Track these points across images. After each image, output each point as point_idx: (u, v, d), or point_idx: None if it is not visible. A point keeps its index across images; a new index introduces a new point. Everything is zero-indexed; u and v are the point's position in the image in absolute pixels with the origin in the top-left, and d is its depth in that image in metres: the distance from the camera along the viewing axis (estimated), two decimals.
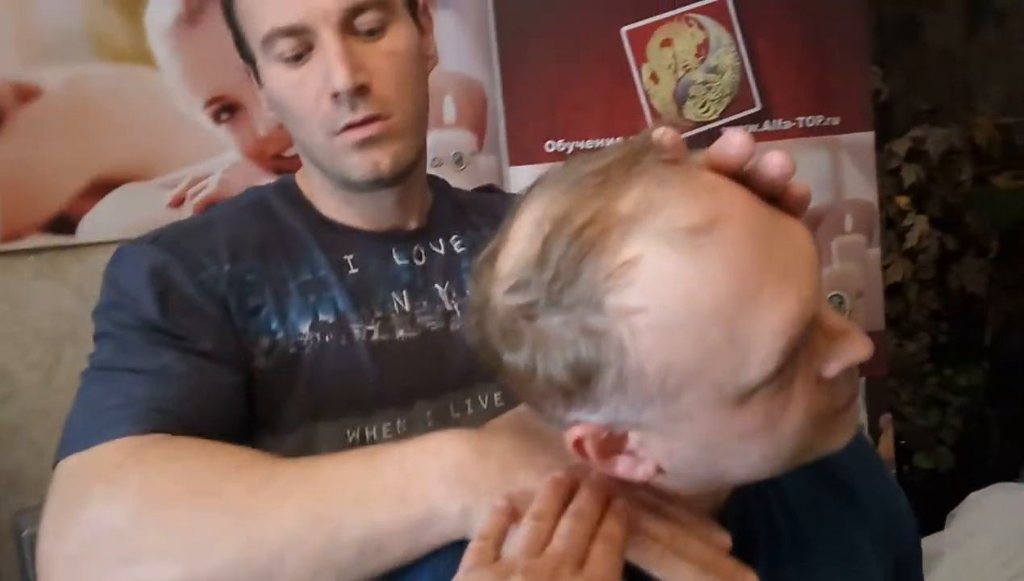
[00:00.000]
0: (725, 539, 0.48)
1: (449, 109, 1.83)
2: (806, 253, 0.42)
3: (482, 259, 0.45)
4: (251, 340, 0.65)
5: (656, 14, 1.83)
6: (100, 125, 1.45)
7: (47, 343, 1.42)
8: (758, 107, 1.92)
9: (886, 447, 2.12)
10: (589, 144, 1.80)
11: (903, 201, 2.18)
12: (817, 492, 0.58)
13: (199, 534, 0.48)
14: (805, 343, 0.42)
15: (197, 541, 0.48)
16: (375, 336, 0.69)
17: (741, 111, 1.91)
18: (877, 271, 2.02)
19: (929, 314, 2.25)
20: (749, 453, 0.44)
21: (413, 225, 0.75)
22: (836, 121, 1.95)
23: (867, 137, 1.97)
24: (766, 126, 1.93)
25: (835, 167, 1.98)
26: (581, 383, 0.41)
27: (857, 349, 0.43)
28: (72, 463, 0.54)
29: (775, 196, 0.44)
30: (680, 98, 1.88)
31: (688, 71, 1.88)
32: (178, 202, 1.51)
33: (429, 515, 0.47)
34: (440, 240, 0.76)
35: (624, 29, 1.81)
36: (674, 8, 1.84)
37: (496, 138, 1.85)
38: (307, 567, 0.47)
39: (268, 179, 0.84)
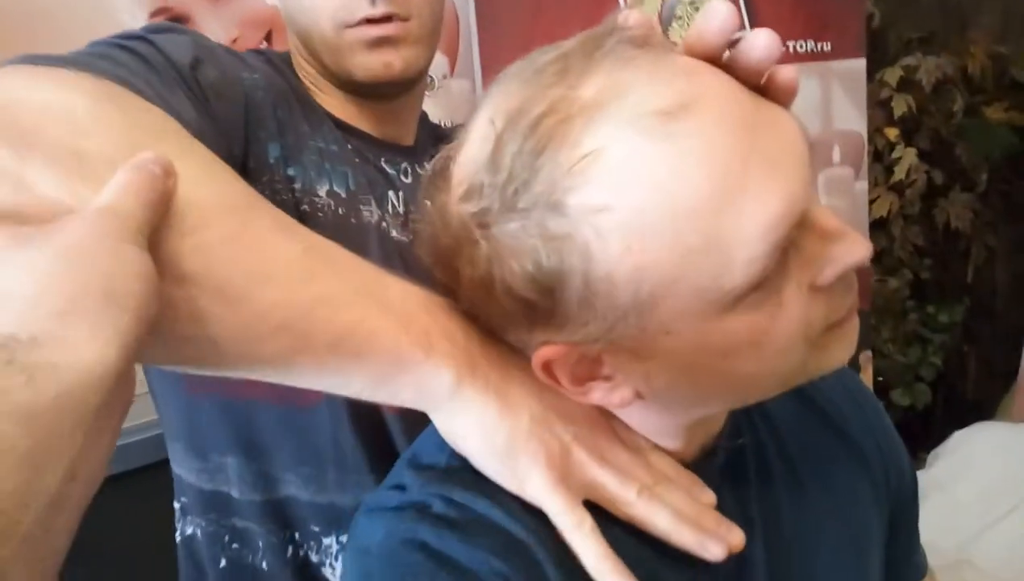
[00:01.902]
0: (710, 496, 0.43)
1: None
2: (795, 145, 0.36)
3: (434, 169, 0.39)
4: (254, 166, 0.58)
5: None
6: (46, 38, 1.33)
7: None
8: (746, 27, 1.83)
9: (865, 383, 2.12)
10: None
11: (892, 133, 2.11)
12: (814, 433, 0.54)
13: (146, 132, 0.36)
14: (795, 245, 0.37)
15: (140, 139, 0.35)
16: (382, 224, 0.64)
17: None
18: (864, 206, 1.97)
19: (912, 250, 2.21)
20: (734, 372, 0.38)
21: (408, 141, 0.71)
22: (828, 47, 1.87)
23: (859, 64, 1.89)
24: None
25: (825, 96, 1.91)
26: (544, 296, 0.36)
27: (855, 251, 0.37)
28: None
29: (760, 85, 0.37)
30: (666, 20, 1.80)
31: None
32: None
33: (423, 365, 0.39)
34: (426, 164, 0.70)
35: None
36: None
37: (470, 61, 1.75)
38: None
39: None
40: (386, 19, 0.62)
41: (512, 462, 0.39)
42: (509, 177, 0.35)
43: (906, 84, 2.07)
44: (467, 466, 0.41)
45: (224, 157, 0.39)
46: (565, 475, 0.39)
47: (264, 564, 0.68)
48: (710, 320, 0.36)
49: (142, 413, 0.68)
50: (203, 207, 0.34)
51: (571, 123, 0.34)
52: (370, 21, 0.61)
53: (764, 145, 0.35)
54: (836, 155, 1.94)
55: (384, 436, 0.64)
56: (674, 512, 0.40)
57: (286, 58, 0.70)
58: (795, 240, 0.37)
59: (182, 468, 0.70)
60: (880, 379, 2.20)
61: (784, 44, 1.84)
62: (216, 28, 1.48)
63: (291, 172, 0.61)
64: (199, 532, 0.70)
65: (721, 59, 0.37)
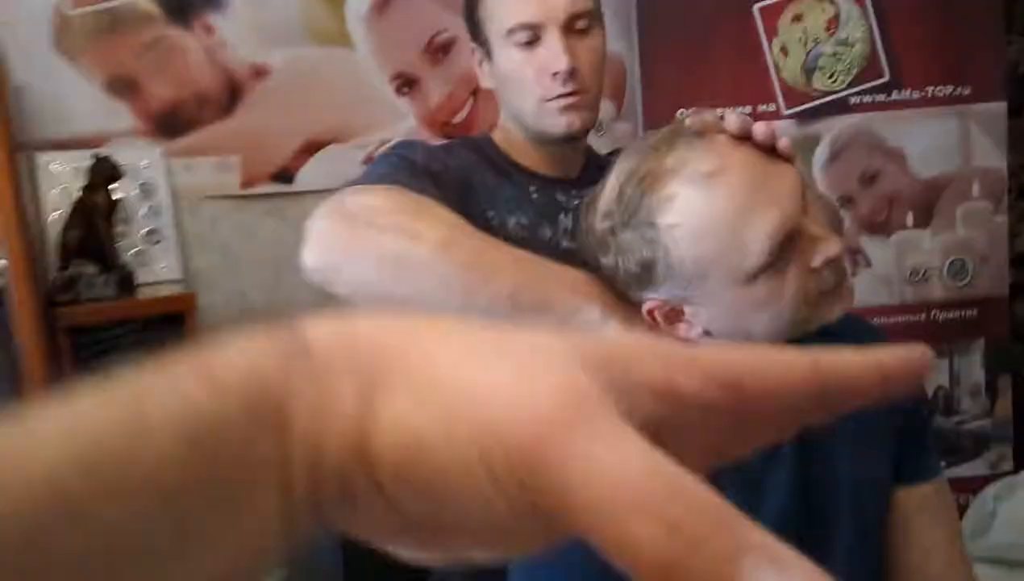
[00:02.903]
0: None
1: None
2: (790, 185, 0.64)
3: (587, 202, 0.72)
4: (471, 218, 0.89)
5: None
6: (310, 97, 1.81)
7: (271, 268, 1.83)
8: (887, 77, 2.01)
9: (1004, 407, 2.19)
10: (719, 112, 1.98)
11: None
12: None
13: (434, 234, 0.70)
14: (794, 243, 0.64)
15: (444, 239, 0.70)
16: (552, 241, 0.95)
17: (869, 80, 2.02)
18: (1003, 238, 2.07)
19: None
20: (762, 318, 0.66)
21: (574, 174, 1.01)
22: (967, 91, 2.00)
23: (999, 107, 2.01)
24: (894, 96, 2.02)
25: (964, 135, 2.04)
26: (646, 271, 0.66)
27: (829, 247, 0.65)
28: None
29: (771, 148, 0.65)
30: (809, 69, 2.01)
31: (818, 43, 2.01)
32: (368, 160, 1.86)
33: (582, 311, 0.69)
34: (586, 190, 1.03)
35: (756, 6, 1.97)
36: None
37: (633, 107, 2.07)
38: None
39: (438, 142, 1.13)
40: (573, 93, 0.91)
41: None
42: (626, 208, 0.66)
43: None
44: None
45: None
46: None
47: None
48: (741, 286, 0.64)
49: None
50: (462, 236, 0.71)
51: (660, 179, 0.64)
52: (560, 96, 0.92)
53: (769, 185, 0.63)
54: (975, 190, 2.07)
55: None
56: None
57: (483, 139, 1.01)
58: (794, 240, 0.64)
59: None
60: (1022, 404, 2.27)
61: (923, 90, 2.02)
62: (437, 85, 1.92)
63: (490, 214, 0.92)
64: None
65: (749, 138, 0.66)
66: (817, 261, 0.65)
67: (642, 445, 0.17)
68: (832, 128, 2.03)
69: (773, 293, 0.65)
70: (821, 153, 2.05)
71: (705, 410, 0.21)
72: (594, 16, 0.93)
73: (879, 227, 2.09)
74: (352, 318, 0.21)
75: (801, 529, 0.72)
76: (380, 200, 0.72)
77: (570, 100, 0.91)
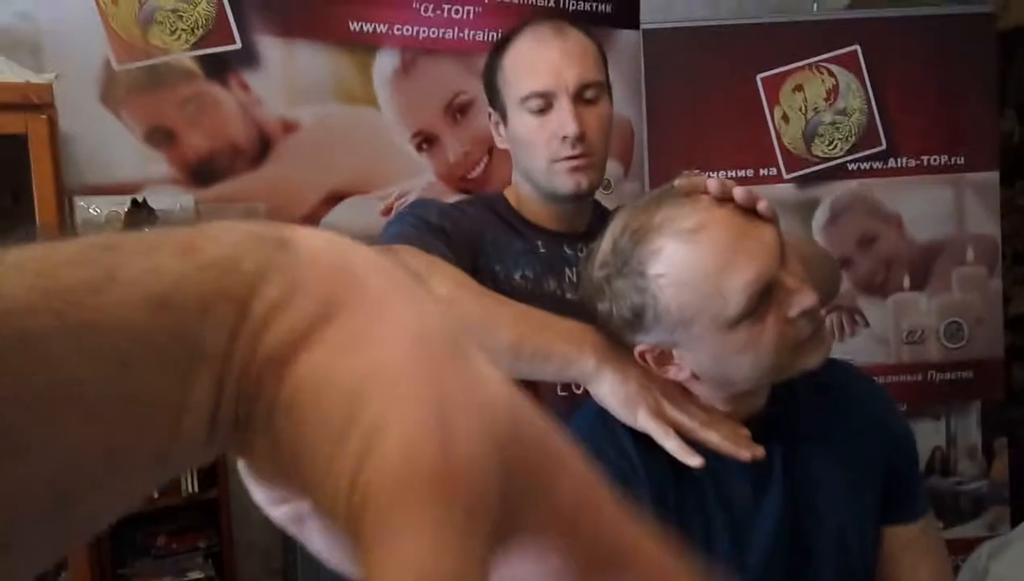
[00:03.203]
0: (744, 430, 0.76)
1: None
2: (768, 242, 0.71)
3: (586, 255, 0.79)
4: (476, 270, 0.95)
5: (789, 64, 2.07)
6: (336, 151, 1.92)
7: None
8: (883, 146, 2.11)
9: (1000, 469, 2.22)
10: (722, 174, 2.07)
11: None
12: (827, 411, 0.84)
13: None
14: (772, 294, 0.70)
15: (448, 296, 0.79)
16: (556, 293, 1.03)
17: (867, 149, 2.12)
18: (998, 301, 2.14)
19: None
20: (744, 363, 0.72)
21: (581, 229, 1.08)
22: (961, 160, 2.09)
23: (992, 176, 2.10)
24: (891, 163, 2.11)
25: (959, 202, 2.12)
26: (636, 317, 0.73)
27: (804, 299, 0.70)
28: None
29: (751, 209, 0.72)
30: (808, 136, 2.11)
31: (817, 113, 2.11)
32: (387, 211, 1.96)
33: (579, 361, 0.76)
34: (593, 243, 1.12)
35: (759, 76, 2.07)
36: (807, 58, 2.08)
37: (640, 167, 2.17)
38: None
39: (455, 196, 1.22)
40: (581, 156, 0.98)
41: (630, 408, 0.76)
42: (620, 258, 0.72)
43: None
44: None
45: (463, 270, 0.84)
46: (658, 414, 0.75)
47: None
48: (724, 332, 0.70)
49: None
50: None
51: (649, 233, 0.70)
52: (570, 157, 0.99)
53: (746, 243, 0.69)
54: (970, 255, 2.14)
55: None
56: (721, 435, 0.74)
57: (496, 197, 1.09)
58: (772, 291, 0.69)
59: None
60: (1018, 466, 2.30)
61: (918, 158, 2.11)
62: (455, 143, 2.03)
63: (496, 268, 0.99)
64: None
65: (729, 200, 0.72)
66: (793, 311, 0.70)
67: (468, 560, 0.16)
68: (832, 192, 2.12)
69: (753, 339, 0.70)
70: (821, 216, 2.13)
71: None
72: (602, 87, 1.02)
73: (877, 289, 2.16)
74: (350, 245, 0.20)
75: (788, 566, 0.77)
76: (392, 262, 0.81)
77: (578, 162, 0.99)
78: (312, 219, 1.90)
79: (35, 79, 1.34)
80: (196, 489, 1.55)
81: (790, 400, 0.82)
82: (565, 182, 1.00)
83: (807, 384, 0.84)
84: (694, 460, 0.72)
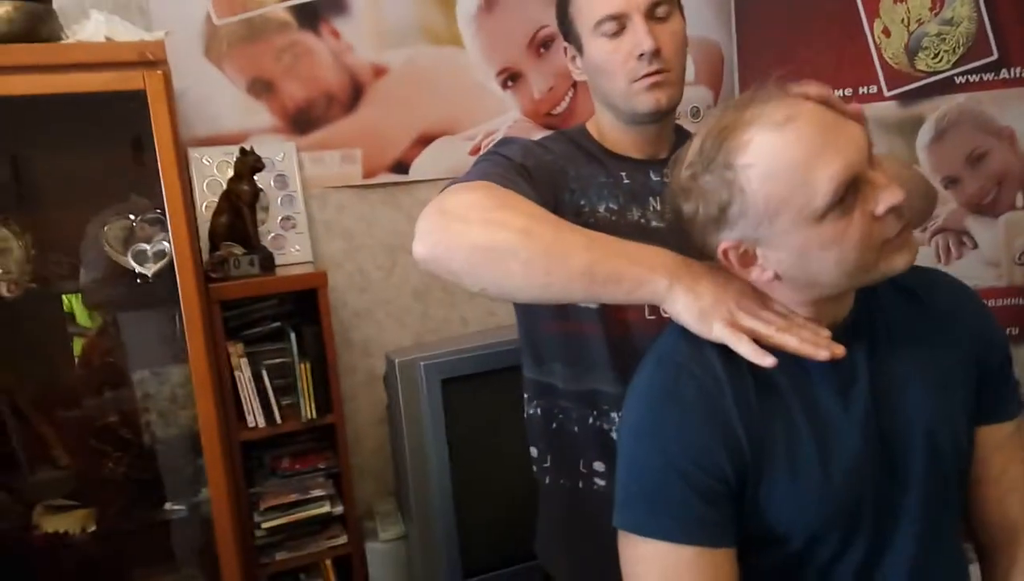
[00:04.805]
0: (825, 331, 0.76)
1: (690, 68, 2.12)
2: (855, 138, 0.70)
3: (673, 159, 0.79)
4: (561, 206, 0.97)
5: None
6: (424, 93, 1.96)
7: (388, 251, 1.99)
8: (994, 56, 1.98)
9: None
10: None
11: None
12: (912, 316, 0.83)
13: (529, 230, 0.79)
14: (858, 189, 0.69)
15: (524, 227, 0.79)
16: (641, 221, 1.04)
17: (976, 59, 1.99)
18: None
19: None
20: (828, 259, 0.71)
21: (664, 154, 1.08)
22: None
23: None
24: (1003, 74, 1.99)
25: None
26: (722, 211, 0.73)
27: (891, 196, 0.70)
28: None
29: (844, 111, 0.72)
30: (912, 50, 2.00)
31: (921, 24, 1.99)
32: (475, 151, 1.99)
33: (651, 282, 0.77)
34: None
35: None
36: None
37: (731, 92, 2.11)
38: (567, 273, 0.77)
39: (541, 132, 1.23)
40: (658, 72, 0.99)
41: (705, 321, 0.77)
42: (706, 156, 0.72)
43: None
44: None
45: (544, 205, 0.84)
46: (732, 324, 0.76)
47: (576, 429, 1.10)
48: (809, 226, 0.69)
49: (510, 335, 1.17)
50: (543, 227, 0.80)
51: (738, 128, 0.70)
52: (648, 75, 0.99)
53: (835, 136, 0.69)
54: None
55: (629, 347, 1.03)
56: (800, 339, 0.74)
57: (578, 131, 1.09)
58: (858, 186, 0.69)
59: (528, 371, 1.16)
60: None
61: None
62: (539, 78, 2.03)
63: (581, 202, 1.00)
64: (538, 411, 1.15)
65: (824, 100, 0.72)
66: (880, 208, 0.69)
67: None
68: (936, 108, 2.02)
69: (839, 234, 0.70)
70: (925, 133, 2.04)
71: None
72: (674, 3, 1.02)
73: (987, 208, 2.06)
74: None
75: (877, 470, 0.78)
76: (473, 197, 0.83)
77: (655, 78, 1.00)
78: (404, 162, 1.96)
79: (148, 37, 1.42)
80: (315, 415, 1.66)
81: (875, 305, 0.82)
82: (645, 100, 1.01)
83: (892, 289, 0.83)
84: (767, 360, 0.72)
